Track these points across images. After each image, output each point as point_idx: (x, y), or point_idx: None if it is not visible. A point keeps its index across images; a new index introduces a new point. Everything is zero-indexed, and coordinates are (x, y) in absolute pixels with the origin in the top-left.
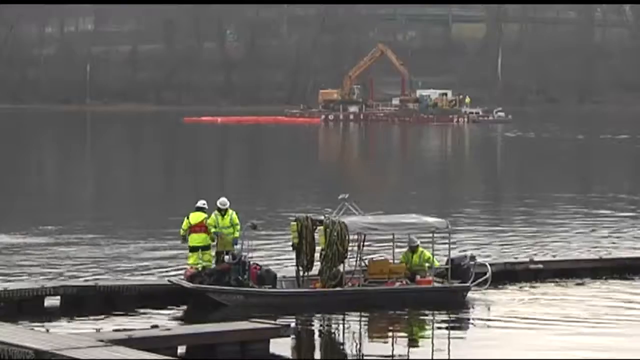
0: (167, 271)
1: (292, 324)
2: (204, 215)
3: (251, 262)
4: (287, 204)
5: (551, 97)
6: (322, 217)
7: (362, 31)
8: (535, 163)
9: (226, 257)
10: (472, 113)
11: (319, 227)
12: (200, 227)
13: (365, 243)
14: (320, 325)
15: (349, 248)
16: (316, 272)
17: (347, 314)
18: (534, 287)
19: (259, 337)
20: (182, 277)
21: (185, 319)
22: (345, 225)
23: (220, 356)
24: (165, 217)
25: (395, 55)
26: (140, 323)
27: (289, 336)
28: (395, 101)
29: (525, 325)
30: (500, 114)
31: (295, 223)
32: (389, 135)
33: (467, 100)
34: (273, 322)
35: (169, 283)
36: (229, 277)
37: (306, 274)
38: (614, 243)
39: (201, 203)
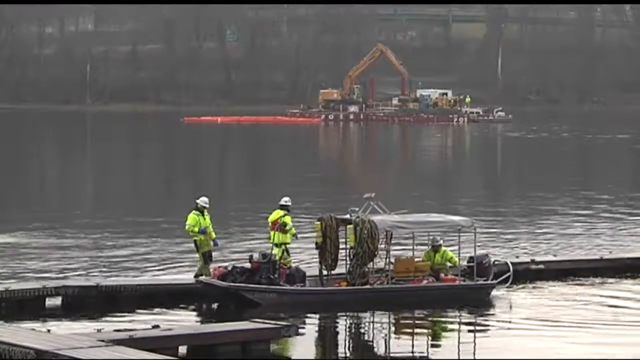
0: (167, 270)
1: (294, 324)
2: (282, 212)
3: (281, 262)
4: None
5: (551, 97)
6: (347, 216)
7: (362, 31)
8: (536, 163)
9: (255, 256)
10: (472, 113)
11: (348, 226)
12: (275, 224)
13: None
14: (346, 323)
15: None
16: (337, 271)
17: (373, 312)
18: (541, 287)
19: (260, 338)
20: (211, 276)
21: (219, 317)
22: (374, 223)
23: (221, 356)
24: (166, 217)
25: (395, 55)
26: (141, 323)
27: (290, 336)
28: (395, 101)
29: (545, 326)
30: (500, 113)
31: (319, 222)
32: (389, 135)
33: (467, 100)
34: (274, 322)
35: (170, 283)
36: (259, 276)
37: (330, 273)
38: (615, 243)
39: (284, 201)
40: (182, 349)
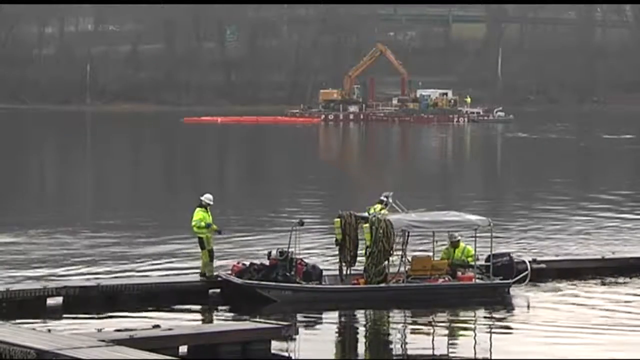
0: (168, 270)
1: (294, 324)
2: (379, 206)
3: (297, 259)
4: (288, 204)
5: (551, 97)
6: (366, 214)
7: (362, 31)
8: (537, 162)
9: (273, 253)
10: (472, 113)
11: (364, 225)
12: None
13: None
14: (364, 321)
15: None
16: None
17: (390, 310)
18: (542, 286)
19: (260, 337)
20: (230, 272)
21: (243, 315)
22: (390, 222)
23: (222, 356)
24: (166, 216)
25: (394, 55)
26: (141, 323)
27: (290, 336)
28: (395, 101)
29: (545, 327)
30: (500, 113)
31: (338, 220)
32: (389, 135)
33: (468, 100)
34: (274, 322)
35: (171, 283)
36: (276, 273)
37: (349, 270)
38: (617, 243)
39: (384, 195)
40: (183, 349)
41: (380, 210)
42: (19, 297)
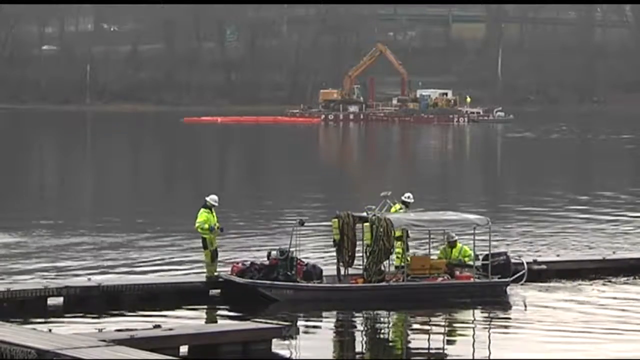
0: (169, 270)
1: (295, 324)
2: (398, 206)
3: (297, 258)
4: (288, 204)
5: (551, 97)
6: (364, 214)
7: (362, 31)
8: (537, 163)
9: (273, 253)
10: (472, 113)
11: (364, 224)
12: None
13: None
14: (364, 321)
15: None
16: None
17: (389, 310)
18: (543, 287)
19: (261, 337)
20: (230, 272)
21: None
22: (390, 221)
23: (222, 356)
24: (166, 216)
25: (394, 55)
26: (142, 323)
27: (291, 336)
28: (395, 101)
29: (547, 327)
30: (500, 113)
31: (336, 220)
32: (389, 135)
33: (468, 100)
34: (275, 322)
35: (171, 283)
36: (277, 273)
37: (347, 270)
38: (617, 243)
39: (405, 196)
40: (183, 349)
41: (399, 210)
42: (20, 297)
